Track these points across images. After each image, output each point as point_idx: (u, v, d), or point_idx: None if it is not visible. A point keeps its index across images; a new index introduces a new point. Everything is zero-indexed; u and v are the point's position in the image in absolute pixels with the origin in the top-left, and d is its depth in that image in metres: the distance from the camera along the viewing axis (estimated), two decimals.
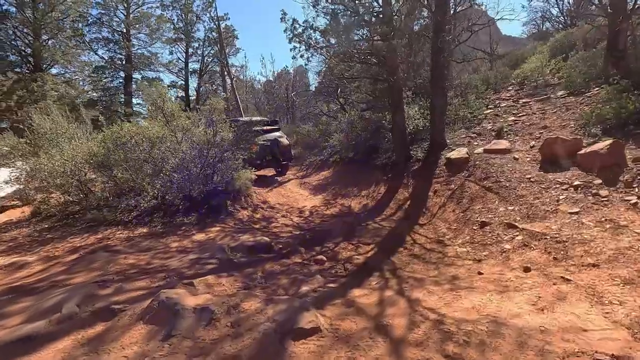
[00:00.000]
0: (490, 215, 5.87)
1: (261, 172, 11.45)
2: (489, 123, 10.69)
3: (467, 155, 8.06)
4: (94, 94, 18.21)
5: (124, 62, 19.01)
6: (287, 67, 39.51)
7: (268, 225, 7.07)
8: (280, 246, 5.72)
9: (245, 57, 54.75)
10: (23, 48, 20.53)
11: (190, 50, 23.89)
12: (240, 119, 11.91)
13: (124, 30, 18.57)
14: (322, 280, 4.22)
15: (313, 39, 8.97)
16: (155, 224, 6.34)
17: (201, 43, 23.57)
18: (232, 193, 8.02)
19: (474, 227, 5.80)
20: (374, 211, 8.16)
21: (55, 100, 18.17)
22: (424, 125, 10.74)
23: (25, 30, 20.41)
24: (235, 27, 37.59)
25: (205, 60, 23.68)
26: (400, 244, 5.86)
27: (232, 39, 23.90)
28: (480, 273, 4.18)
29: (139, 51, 19.44)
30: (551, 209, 5.28)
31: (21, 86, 18.72)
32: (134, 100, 18.87)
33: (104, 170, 6.39)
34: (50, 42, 20.42)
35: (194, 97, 24.71)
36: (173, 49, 23.22)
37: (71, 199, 6.70)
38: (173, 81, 25.32)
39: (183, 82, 23.76)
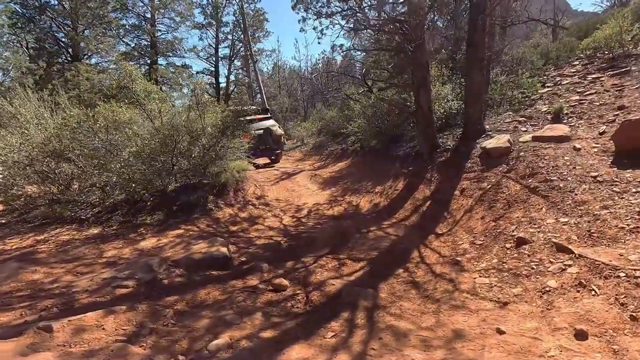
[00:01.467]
0: (531, 230, 4.15)
1: (254, 161, 10.33)
2: (544, 104, 8.54)
3: (509, 144, 6.21)
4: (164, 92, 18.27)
5: (148, 49, 18.90)
6: (325, 51, 37.94)
7: (248, 229, 5.89)
8: (244, 259, 4.50)
9: (278, 40, 53.22)
10: (62, 38, 21.19)
11: (221, 35, 23.38)
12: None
13: (149, 16, 18.38)
14: (259, 323, 2.93)
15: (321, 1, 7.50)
16: (112, 223, 5.44)
17: (231, 27, 22.89)
18: (218, 187, 6.94)
19: (507, 246, 4.14)
20: (385, 212, 6.65)
21: (88, 89, 18.45)
22: (459, 108, 8.86)
23: (65, 21, 21.02)
24: (270, 9, 36.59)
25: (235, 45, 23.01)
26: (401, 263, 4.36)
27: (262, 22, 22.92)
28: (500, 332, 2.63)
29: (164, 37, 19.28)
30: (629, 225, 3.48)
31: (58, 76, 19.29)
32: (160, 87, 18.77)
33: (59, 160, 5.61)
34: (86, 31, 20.81)
35: (225, 84, 24.33)
36: (203, 34, 22.81)
37: (37, 191, 6.03)
38: (205, 68, 25.08)
39: (213, 69, 23.37)
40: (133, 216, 5.64)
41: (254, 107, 12.61)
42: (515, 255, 3.90)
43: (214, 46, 23.01)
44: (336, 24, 8.32)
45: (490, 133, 7.42)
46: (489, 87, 9.18)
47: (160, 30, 19.00)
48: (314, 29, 9.58)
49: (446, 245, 4.81)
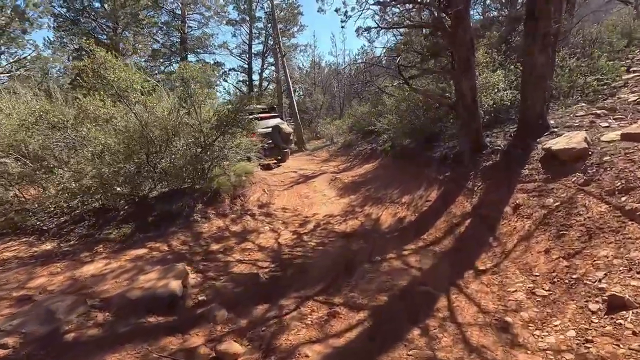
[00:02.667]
0: (635, 283, 2.58)
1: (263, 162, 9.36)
2: (631, 93, 6.56)
3: (586, 145, 4.50)
4: (153, 80, 18.22)
5: (178, 45, 18.69)
6: (364, 46, 36.34)
7: (233, 248, 4.76)
8: (203, 298, 3.36)
9: (313, 35, 51.28)
10: (104, 40, 21.71)
11: (255, 31, 22.76)
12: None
13: (179, 12, 18.12)
14: None
15: None
16: (72, 237, 4.57)
17: (265, 23, 22.15)
18: (210, 193, 5.91)
19: (591, 307, 2.60)
20: (410, 231, 5.21)
21: (124, 88, 18.57)
22: (513, 99, 7.10)
23: (107, 22, 21.54)
24: (305, 2, 35.57)
25: (268, 41, 22.27)
26: (420, 318, 2.97)
27: (296, 16, 21.93)
28: None
29: (194, 33, 18.93)
30: None
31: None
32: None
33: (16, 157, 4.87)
34: (125, 32, 21.13)
35: (258, 82, 23.71)
36: (236, 31, 22.31)
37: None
38: (239, 65, 24.64)
39: (247, 66, 22.82)
40: (99, 228, 4.76)
41: (260, 105, 12.01)
42: (609, 327, 2.37)
43: (247, 42, 22.50)
44: (363, 1, 6.99)
45: (556, 130, 5.68)
46: (554, 72, 7.29)
47: (190, 27, 18.78)
48: (336, 10, 8.33)
49: (490, 291, 3.31)
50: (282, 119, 11.71)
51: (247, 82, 23.54)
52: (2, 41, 16.20)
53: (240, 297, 3.39)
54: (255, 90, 24.12)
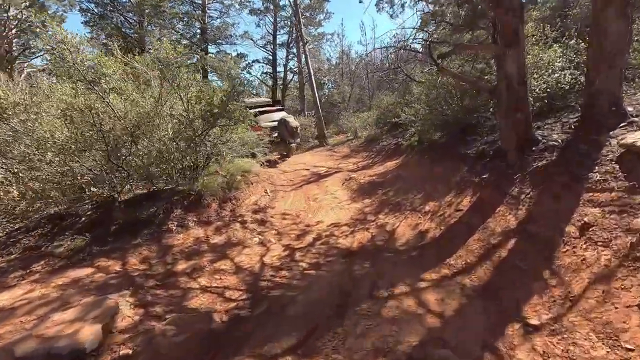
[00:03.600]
0: None
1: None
2: None
3: None
4: (140, 66, 17.82)
5: (198, 36, 18.16)
6: (397, 34, 34.37)
7: (203, 269, 3.82)
8: (127, 352, 2.42)
9: (342, 24, 48.32)
10: (131, 34, 21.72)
11: (279, 20, 21.85)
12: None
13: (199, 1, 17.52)
14: None
15: None
16: (16, 249, 3.84)
17: (290, 12, 21.17)
18: (193, 196, 5.03)
19: None
20: (432, 252, 4.03)
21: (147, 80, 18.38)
22: (574, 81, 5.63)
23: (134, 17, 21.50)
24: None
25: (293, 31, 21.28)
26: None
27: (322, 3, 20.73)
28: None
29: (214, 23, 18.25)
30: None
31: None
32: (209, 77, 17.88)
33: None
34: (150, 26, 20.98)
35: (283, 73, 22.83)
36: (261, 21, 21.52)
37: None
38: (264, 57, 23.89)
39: (271, 57, 22.00)
40: (51, 239, 4.01)
41: (262, 98, 11.86)
42: None
43: (271, 33, 21.64)
44: None
45: (637, 120, 4.25)
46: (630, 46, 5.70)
47: (211, 17, 18.17)
48: None
49: None
50: (285, 113, 11.35)
51: (272, 74, 22.75)
52: (26, 37, 16.45)
53: (178, 351, 2.43)
54: (280, 82, 23.30)
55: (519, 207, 4.13)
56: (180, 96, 5.35)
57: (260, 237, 4.75)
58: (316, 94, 14.46)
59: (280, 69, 23.25)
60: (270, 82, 23.23)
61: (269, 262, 4.01)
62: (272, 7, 21.09)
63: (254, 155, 7.59)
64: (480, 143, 6.09)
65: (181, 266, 3.83)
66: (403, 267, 3.74)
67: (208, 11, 18.09)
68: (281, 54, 23.14)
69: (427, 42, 11.19)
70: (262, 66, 23.04)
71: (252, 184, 6.38)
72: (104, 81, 4.73)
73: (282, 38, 22.78)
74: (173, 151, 4.84)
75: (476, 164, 5.56)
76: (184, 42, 17.84)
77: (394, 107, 11.57)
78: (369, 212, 5.54)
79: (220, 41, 18.80)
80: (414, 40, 10.71)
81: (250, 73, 22.96)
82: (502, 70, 4.91)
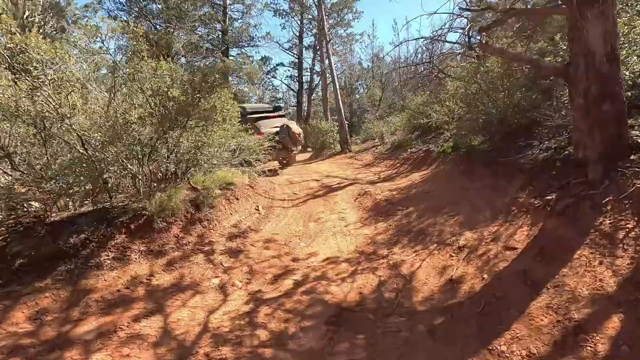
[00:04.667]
0: None
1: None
2: None
3: None
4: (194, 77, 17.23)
5: (220, 38, 17.50)
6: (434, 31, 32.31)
7: (115, 333, 2.57)
8: None
9: (372, 24, 45.92)
10: (158, 41, 21.68)
11: (306, 22, 20.89)
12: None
13: (219, 2, 16.90)
14: None
15: None
16: None
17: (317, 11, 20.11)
18: (145, 217, 3.85)
19: None
20: (468, 320, 2.51)
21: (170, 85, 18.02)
22: None
23: (162, 24, 21.48)
24: None
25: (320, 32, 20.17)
26: None
27: (350, 1, 19.49)
28: None
29: (235, 24, 17.49)
30: None
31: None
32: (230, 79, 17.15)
33: None
34: (175, 32, 20.80)
35: (309, 76, 21.79)
36: (286, 23, 20.62)
37: None
38: (292, 61, 22.98)
39: (297, 60, 20.99)
40: None
41: (262, 104, 11.57)
42: None
43: (297, 35, 20.69)
44: None
45: None
46: None
47: (232, 17, 17.52)
48: None
49: None
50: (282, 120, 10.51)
51: (297, 78, 21.75)
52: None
53: None
54: (305, 86, 22.25)
55: (616, 253, 2.53)
56: (141, 89, 4.25)
57: (223, 276, 3.46)
58: (339, 96, 13.13)
59: (307, 73, 22.25)
60: (296, 87, 22.26)
61: (215, 324, 2.69)
62: (298, 7, 20.15)
63: (249, 164, 6.39)
64: (539, 150, 4.46)
65: (85, 327, 2.61)
66: (418, 350, 2.27)
67: (229, 12, 17.46)
68: (308, 57, 22.15)
69: (468, 37, 9.53)
70: (288, 70, 22.13)
71: (236, 199, 5.13)
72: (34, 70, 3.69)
73: (309, 40, 21.80)
74: (112, 157, 3.71)
75: (535, 180, 3.95)
76: (205, 45, 17.25)
77: (425, 107, 9.96)
78: (381, 242, 4.07)
79: (242, 43, 18.09)
80: (451, 29, 9.07)
81: (275, 77, 22.14)
82: (578, 42, 3.31)
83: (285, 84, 22.35)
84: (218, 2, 17.10)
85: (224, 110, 5.01)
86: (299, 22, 20.96)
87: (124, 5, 20.26)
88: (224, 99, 5.03)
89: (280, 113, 11.31)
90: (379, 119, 14.23)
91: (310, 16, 20.52)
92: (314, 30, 21.40)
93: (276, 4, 20.05)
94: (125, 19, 20.67)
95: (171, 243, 3.89)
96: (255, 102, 18.92)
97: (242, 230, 4.52)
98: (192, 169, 4.96)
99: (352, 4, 19.81)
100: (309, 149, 15.37)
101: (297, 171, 9.92)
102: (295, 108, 23.31)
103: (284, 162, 10.08)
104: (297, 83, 22.09)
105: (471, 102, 6.32)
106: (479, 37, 4.64)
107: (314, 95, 22.85)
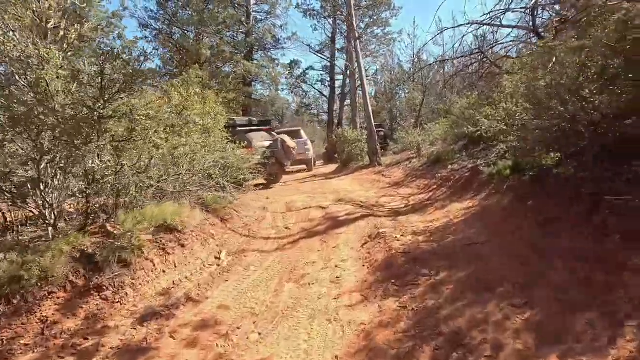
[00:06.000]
0: None
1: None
2: None
3: None
4: (213, 83, 16.26)
5: (244, 40, 16.37)
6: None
7: None
8: None
9: (413, 22, 41.66)
10: (188, 48, 21.25)
11: (340, 21, 19.29)
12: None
13: (244, 2, 15.82)
14: None
15: None
16: None
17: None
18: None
19: None
20: None
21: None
22: None
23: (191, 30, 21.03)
24: None
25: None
26: None
27: None
28: None
29: (259, 26, 16.28)
30: None
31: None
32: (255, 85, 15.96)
33: None
34: (206, 39, 20.20)
35: (342, 81, 20.10)
36: (318, 25, 19.19)
37: None
38: (325, 65, 21.51)
39: (329, 63, 19.44)
40: None
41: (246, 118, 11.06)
42: None
43: (329, 35, 19.15)
44: None
45: None
46: None
47: (256, 18, 16.38)
48: None
49: None
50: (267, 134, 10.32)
51: (329, 83, 20.21)
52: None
53: None
54: (338, 91, 20.62)
55: None
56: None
57: None
58: (368, 100, 11.32)
59: (339, 78, 20.60)
60: (327, 92, 20.72)
61: None
62: (330, 7, 18.66)
63: (223, 188, 4.86)
64: None
65: None
66: None
67: (253, 12, 16.38)
68: (342, 59, 20.51)
69: (532, 15, 7.30)
70: (320, 74, 20.63)
71: (181, 247, 3.57)
72: None
73: (343, 42, 20.17)
74: None
75: None
76: (226, 49, 16.26)
77: (473, 111, 7.84)
78: (382, 349, 2.26)
79: (267, 46, 16.91)
80: (508, 10, 6.93)
81: (305, 82, 20.72)
82: None
83: (315, 89, 20.90)
84: (242, 2, 16.09)
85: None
86: (331, 22, 19.45)
87: (155, 14, 20.08)
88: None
89: (269, 127, 11.20)
90: (415, 127, 12.18)
91: (342, 16, 18.94)
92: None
93: (307, 4, 18.78)
94: (156, 27, 20.55)
95: (30, 335, 2.39)
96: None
97: (171, 303, 2.92)
98: (123, 200, 3.49)
99: (390, 1, 17.94)
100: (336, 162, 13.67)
101: (311, 190, 8.27)
102: (326, 115, 21.76)
103: (271, 178, 9.17)
104: (328, 88, 20.54)
105: (541, 101, 4.26)
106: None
107: (346, 101, 21.12)
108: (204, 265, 3.59)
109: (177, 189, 4.25)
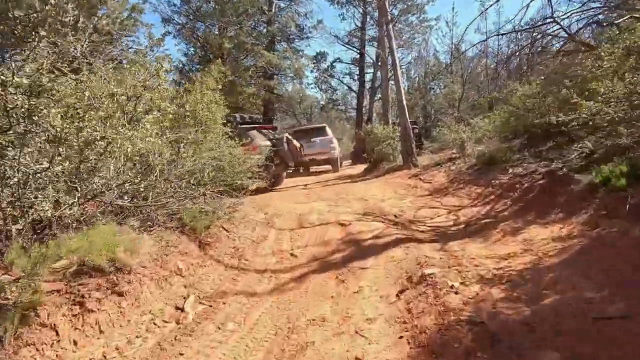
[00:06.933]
0: None
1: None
2: None
3: None
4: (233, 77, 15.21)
5: (265, 30, 15.20)
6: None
7: None
8: None
9: (452, 8, 37.79)
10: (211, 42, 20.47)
11: (370, 9, 17.74)
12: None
13: None
14: None
15: None
16: None
17: None
18: None
19: None
20: None
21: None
22: None
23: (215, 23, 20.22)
24: None
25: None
26: None
27: None
28: None
29: (282, 14, 14.98)
30: None
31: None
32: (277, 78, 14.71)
33: None
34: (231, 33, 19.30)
35: (372, 74, 18.48)
36: (347, 13, 17.69)
37: None
38: (355, 58, 20.01)
39: (357, 53, 17.87)
40: None
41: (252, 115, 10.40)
42: None
43: (359, 24, 17.62)
44: None
45: None
46: None
47: (279, 6, 15.18)
48: None
49: None
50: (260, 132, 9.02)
51: (358, 76, 18.68)
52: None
53: None
54: (368, 85, 19.05)
55: None
56: None
57: None
58: (402, 91, 9.77)
59: (370, 71, 19.00)
60: (356, 87, 19.20)
61: None
62: None
63: (207, 197, 3.62)
64: None
65: None
66: None
67: (275, 1, 15.18)
68: (372, 50, 18.92)
69: None
70: (349, 67, 19.10)
71: (118, 296, 2.34)
72: None
73: (373, 32, 18.59)
74: None
75: None
76: (247, 40, 15.12)
77: (540, 100, 6.15)
78: None
79: (290, 35, 15.64)
80: None
81: (332, 75, 19.27)
82: None
83: (344, 83, 19.40)
84: None
85: None
86: (361, 10, 17.88)
87: (178, 8, 19.42)
88: None
89: (273, 125, 10.46)
90: (458, 121, 10.48)
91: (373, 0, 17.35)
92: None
93: None
94: (179, 22, 19.90)
95: None
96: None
97: None
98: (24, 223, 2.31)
99: None
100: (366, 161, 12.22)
101: (334, 196, 6.92)
102: (355, 112, 20.23)
103: (273, 180, 8.32)
104: (357, 82, 19.02)
105: None
106: None
107: (377, 95, 19.48)
108: (154, 324, 2.35)
109: (138, 203, 3.06)
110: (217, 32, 19.16)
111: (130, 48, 17.57)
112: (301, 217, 4.87)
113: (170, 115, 3.90)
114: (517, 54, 8.40)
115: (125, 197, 3.03)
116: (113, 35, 16.82)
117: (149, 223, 3.17)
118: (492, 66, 18.24)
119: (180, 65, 19.85)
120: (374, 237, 3.83)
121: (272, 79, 15.28)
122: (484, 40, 14.48)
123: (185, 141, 4.06)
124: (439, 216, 4.74)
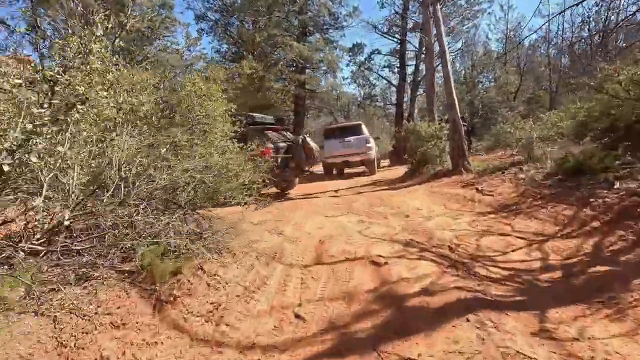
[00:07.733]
0: None
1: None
2: None
3: None
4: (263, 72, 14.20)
5: (296, 20, 14.06)
6: None
7: None
8: None
9: None
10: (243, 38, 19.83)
11: None
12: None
13: None
14: None
15: None
16: None
17: None
18: None
19: None
20: None
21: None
22: None
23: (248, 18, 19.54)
24: None
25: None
26: None
27: None
28: None
29: (314, 1, 13.67)
30: None
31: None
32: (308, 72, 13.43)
33: None
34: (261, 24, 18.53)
35: (414, 65, 16.75)
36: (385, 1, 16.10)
37: None
38: (394, 49, 18.35)
39: (398, 46, 16.23)
40: None
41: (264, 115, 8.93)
42: None
43: (399, 12, 15.96)
44: None
45: None
46: None
47: None
48: None
49: None
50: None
51: (398, 69, 17.02)
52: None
53: None
54: (409, 78, 17.34)
55: None
56: None
57: None
58: (451, 81, 8.20)
59: (411, 63, 17.28)
60: (396, 81, 17.55)
61: None
62: None
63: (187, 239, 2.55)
64: None
65: None
66: None
67: None
68: (414, 41, 17.21)
69: None
70: (387, 59, 17.48)
71: None
72: None
73: (416, 18, 16.84)
74: None
75: None
76: (276, 31, 14.10)
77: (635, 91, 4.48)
78: None
79: (324, 25, 14.39)
80: None
81: (370, 69, 17.73)
82: None
83: (383, 77, 17.80)
84: None
85: None
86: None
87: (211, 3, 18.93)
88: None
89: (285, 126, 9.93)
90: (523, 117, 8.68)
91: None
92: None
93: None
94: (212, 18, 19.41)
95: None
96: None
97: None
98: None
99: None
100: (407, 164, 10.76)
101: (367, 208, 5.68)
102: (394, 108, 18.58)
103: (284, 185, 7.88)
104: (397, 75, 17.36)
105: None
106: None
107: (419, 89, 17.68)
108: None
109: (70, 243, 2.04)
110: (249, 28, 18.47)
111: (167, 47, 17.27)
112: (322, 245, 3.67)
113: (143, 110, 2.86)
114: (615, 28, 6.53)
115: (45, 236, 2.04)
116: (144, 34, 16.48)
117: (87, 270, 2.16)
118: (556, 52, 15.80)
119: (214, 63, 19.40)
120: (423, 292, 2.54)
121: (303, 72, 14.18)
122: (547, 21, 12.26)
123: (166, 147, 3.04)
124: (514, 250, 3.33)
